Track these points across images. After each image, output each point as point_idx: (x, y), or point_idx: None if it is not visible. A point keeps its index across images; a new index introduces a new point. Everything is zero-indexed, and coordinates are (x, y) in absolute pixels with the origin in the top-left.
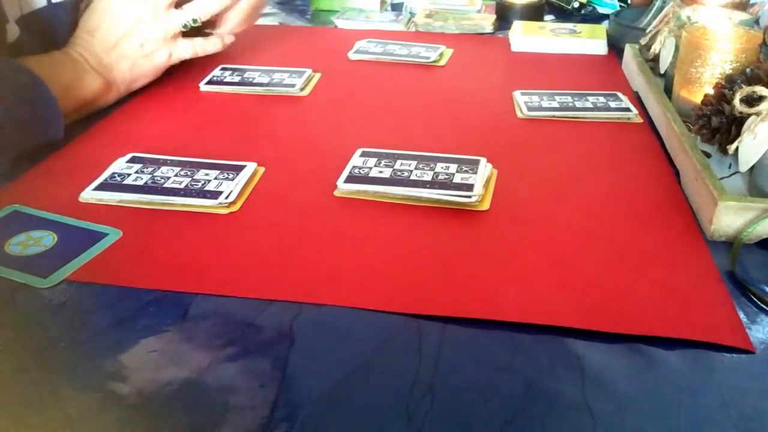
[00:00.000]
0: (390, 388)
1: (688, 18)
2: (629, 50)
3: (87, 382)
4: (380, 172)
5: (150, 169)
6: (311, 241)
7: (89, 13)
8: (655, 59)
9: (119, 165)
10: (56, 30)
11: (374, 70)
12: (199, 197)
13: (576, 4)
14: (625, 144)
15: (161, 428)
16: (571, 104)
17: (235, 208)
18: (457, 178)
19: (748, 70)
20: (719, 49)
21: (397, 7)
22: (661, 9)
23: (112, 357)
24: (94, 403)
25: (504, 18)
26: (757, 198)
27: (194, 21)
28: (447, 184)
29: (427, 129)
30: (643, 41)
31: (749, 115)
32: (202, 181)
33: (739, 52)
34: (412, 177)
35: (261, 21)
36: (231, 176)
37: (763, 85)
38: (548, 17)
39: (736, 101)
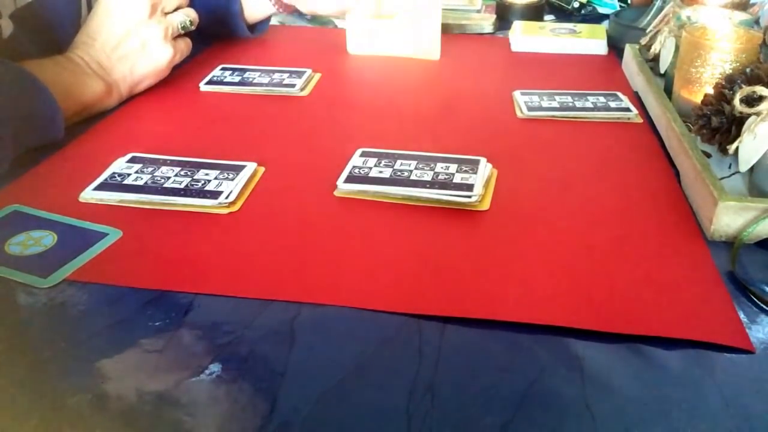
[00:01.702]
0: (390, 388)
1: (688, 18)
2: (629, 50)
3: (87, 381)
4: (380, 172)
5: (150, 169)
6: (311, 241)
7: (90, 17)
8: (655, 59)
9: (119, 165)
10: (53, 23)
11: (374, 69)
12: (199, 197)
13: (576, 4)
14: (625, 144)
15: (161, 428)
16: (571, 104)
17: (235, 208)
18: (457, 178)
19: (748, 70)
20: (719, 49)
21: None
22: (661, 9)
23: (111, 357)
24: (94, 403)
25: (504, 18)
26: (757, 198)
27: (190, 23)
28: (447, 184)
29: (427, 129)
30: (643, 41)
31: (749, 115)
32: (202, 181)
33: (739, 52)
34: (412, 177)
35: None
36: (231, 176)
37: (763, 85)
38: (548, 17)
39: (736, 101)
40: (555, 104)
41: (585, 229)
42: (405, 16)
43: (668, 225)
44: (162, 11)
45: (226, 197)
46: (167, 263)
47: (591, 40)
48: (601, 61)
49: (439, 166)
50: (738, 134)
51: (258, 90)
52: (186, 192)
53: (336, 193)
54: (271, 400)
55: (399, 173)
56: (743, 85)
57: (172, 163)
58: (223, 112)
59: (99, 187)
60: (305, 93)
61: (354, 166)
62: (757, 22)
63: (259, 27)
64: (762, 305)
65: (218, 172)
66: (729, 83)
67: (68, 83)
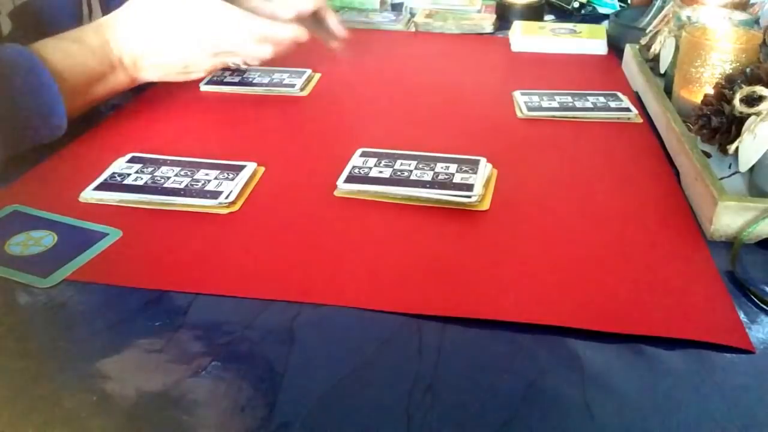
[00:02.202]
0: (390, 388)
1: (688, 18)
2: (629, 50)
3: (87, 381)
4: (380, 172)
5: (150, 169)
6: (311, 241)
7: (145, 10)
8: (655, 59)
9: (119, 165)
10: (51, 22)
11: (374, 69)
12: (199, 197)
13: (576, 4)
14: (625, 144)
15: (160, 428)
16: (571, 104)
17: (235, 208)
18: (457, 178)
19: (748, 70)
20: (719, 49)
21: (397, 7)
22: (661, 9)
23: (111, 357)
24: (94, 403)
25: (504, 18)
26: (757, 198)
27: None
28: (447, 184)
29: (427, 129)
30: (643, 41)
31: (749, 115)
32: (202, 181)
33: (739, 52)
34: (412, 177)
35: None
36: (231, 176)
37: (763, 85)
38: (548, 17)
39: (736, 101)
40: (555, 104)
41: (585, 229)
42: None
43: (668, 225)
44: (222, 49)
45: (226, 197)
46: (167, 263)
47: (591, 40)
48: (601, 61)
49: (439, 166)
50: (738, 134)
51: (258, 90)
52: (186, 192)
53: (336, 193)
54: (271, 400)
55: (399, 173)
56: (743, 85)
57: (172, 163)
58: (223, 112)
59: (99, 187)
60: (305, 93)
61: (354, 166)
62: (757, 22)
63: None
64: (762, 305)
65: (218, 172)
66: (729, 83)
67: (91, 75)
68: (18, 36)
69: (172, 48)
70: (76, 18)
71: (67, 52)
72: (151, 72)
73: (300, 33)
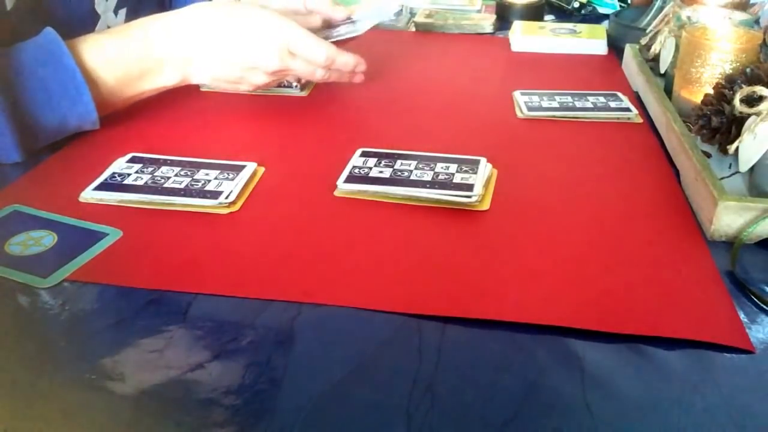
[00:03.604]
0: (390, 388)
1: (688, 18)
2: (629, 50)
3: (87, 381)
4: (380, 172)
5: (150, 169)
6: (311, 241)
7: (202, 16)
8: (655, 59)
9: (119, 165)
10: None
11: (373, 69)
12: (199, 197)
13: (576, 4)
14: (625, 144)
15: (160, 428)
16: (571, 104)
17: (235, 208)
18: (457, 178)
19: (748, 70)
20: (719, 49)
21: None
22: (661, 9)
23: (111, 357)
24: (94, 403)
25: (504, 18)
26: (757, 198)
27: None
28: (447, 184)
29: (427, 129)
30: (643, 41)
31: (749, 115)
32: (202, 181)
33: (739, 52)
34: (412, 177)
35: None
36: (231, 176)
37: (763, 85)
38: (548, 17)
39: (736, 101)
40: (555, 104)
41: (585, 230)
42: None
43: (668, 225)
44: (278, 71)
45: (226, 197)
46: (167, 263)
47: (591, 40)
48: (601, 61)
49: (439, 166)
50: (738, 134)
51: (258, 90)
52: (186, 192)
53: (336, 193)
54: (271, 400)
55: (399, 173)
56: (743, 85)
57: (172, 163)
58: (223, 112)
59: (99, 187)
60: (305, 93)
61: (354, 166)
62: (757, 22)
63: None
64: (762, 305)
65: (218, 172)
66: (729, 83)
67: (131, 69)
68: (20, 11)
69: (224, 57)
70: None
71: (104, 45)
72: (205, 78)
73: (361, 63)
